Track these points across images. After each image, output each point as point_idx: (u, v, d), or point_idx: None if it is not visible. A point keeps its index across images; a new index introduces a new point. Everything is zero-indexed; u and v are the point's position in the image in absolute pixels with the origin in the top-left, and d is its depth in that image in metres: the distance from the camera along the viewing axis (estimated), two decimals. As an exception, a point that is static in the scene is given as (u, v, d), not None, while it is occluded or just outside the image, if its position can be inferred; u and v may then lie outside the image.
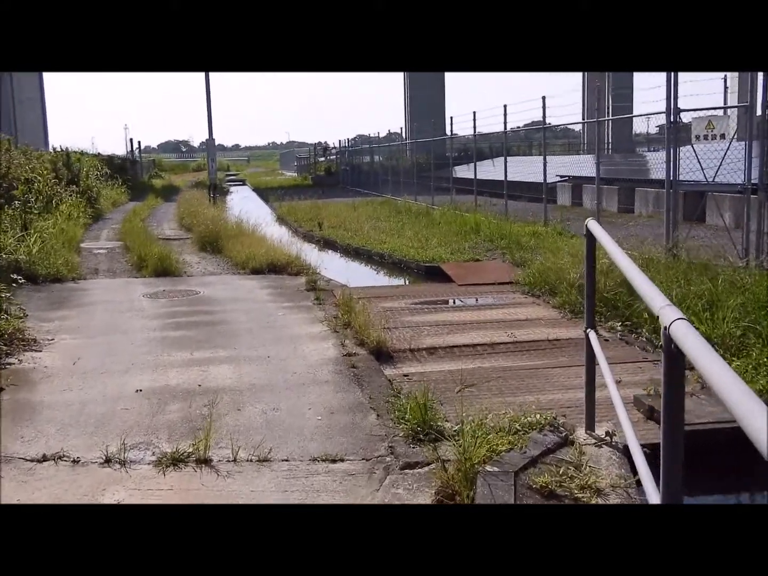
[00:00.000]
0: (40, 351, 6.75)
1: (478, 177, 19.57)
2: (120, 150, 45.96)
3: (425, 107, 40.29)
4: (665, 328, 1.74)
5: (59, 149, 23.01)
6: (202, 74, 23.08)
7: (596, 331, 4.03)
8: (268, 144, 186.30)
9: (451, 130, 23.22)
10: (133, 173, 39.83)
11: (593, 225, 3.72)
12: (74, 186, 19.37)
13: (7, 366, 6.26)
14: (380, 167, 30.84)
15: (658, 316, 1.80)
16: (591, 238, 3.82)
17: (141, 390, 5.60)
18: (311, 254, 12.43)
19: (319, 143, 49.98)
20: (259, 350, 6.69)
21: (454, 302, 9.13)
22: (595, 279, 4.16)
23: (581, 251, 9.54)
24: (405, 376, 5.96)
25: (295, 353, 6.58)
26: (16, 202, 12.19)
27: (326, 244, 15.49)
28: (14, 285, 9.41)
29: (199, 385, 5.72)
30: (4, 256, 9.81)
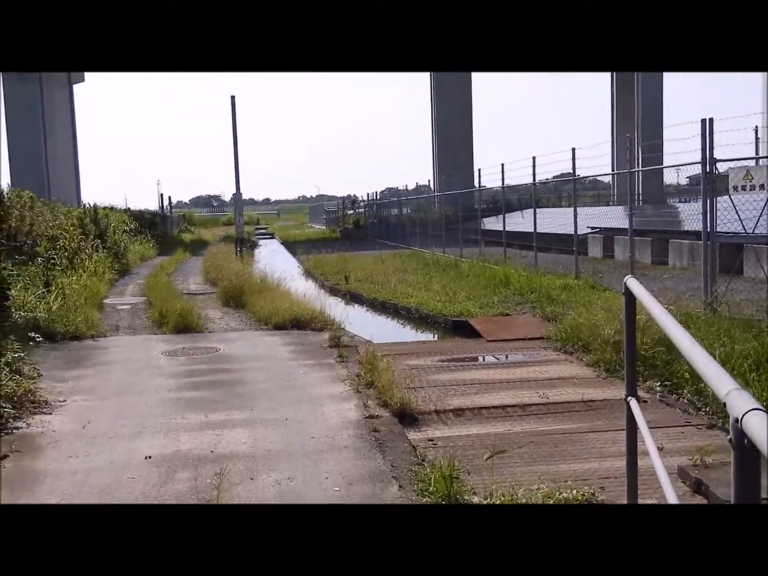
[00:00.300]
0: (51, 414, 6.50)
1: (507, 229, 19.30)
2: (153, 205, 46.56)
3: (454, 160, 40.31)
4: (736, 419, 1.42)
5: (88, 205, 23.20)
6: (230, 130, 23.18)
7: (638, 399, 3.65)
8: (298, 198, 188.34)
9: (479, 182, 23.09)
10: (162, 228, 40.22)
11: (633, 283, 3.37)
12: (101, 241, 19.42)
13: (14, 430, 6.00)
14: (408, 220, 30.72)
15: (724, 403, 1.48)
16: (630, 298, 3.47)
17: (150, 456, 5.29)
18: (336, 308, 12.16)
19: (348, 196, 50.16)
20: (277, 412, 6.37)
21: (482, 359, 8.75)
22: (636, 342, 3.80)
23: (615, 305, 9.19)
24: (430, 440, 5.59)
25: (315, 415, 6.25)
26: (39, 258, 12.12)
27: (352, 297, 15.25)
28: (31, 343, 9.23)
29: (212, 451, 5.40)
30: (22, 314, 9.66)
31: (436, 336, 11.12)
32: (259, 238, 46.80)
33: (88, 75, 49.38)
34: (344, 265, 19.87)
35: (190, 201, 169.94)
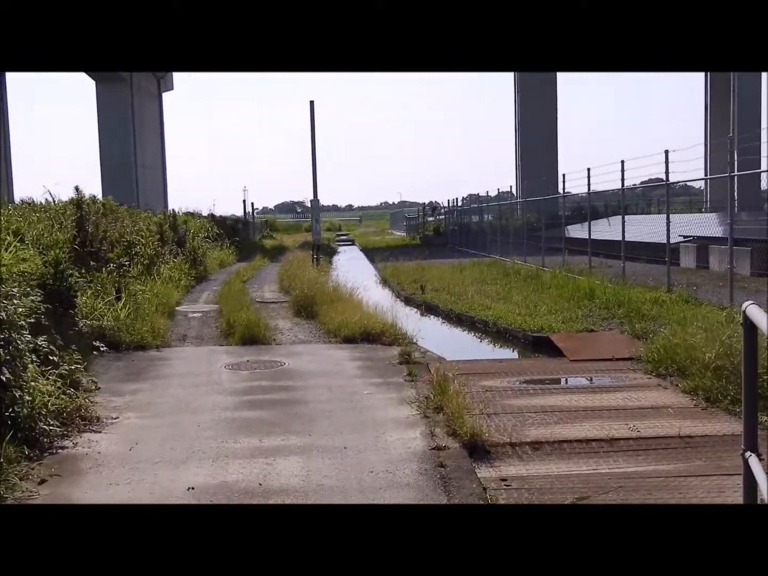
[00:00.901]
0: (100, 432, 6.16)
1: (592, 237, 18.36)
2: (240, 212, 47.11)
3: (537, 165, 39.20)
4: None
5: (170, 211, 23.36)
6: (313, 136, 22.89)
7: (759, 455, 2.95)
8: (381, 204, 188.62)
9: (564, 188, 22.15)
10: (245, 234, 40.58)
11: (755, 312, 2.70)
12: (179, 247, 19.43)
13: (59, 451, 5.66)
14: (489, 227, 29.91)
15: None
16: (751, 329, 2.79)
17: (193, 488, 4.84)
18: (410, 320, 11.59)
19: (430, 203, 49.41)
20: (336, 439, 5.84)
21: (564, 382, 8.02)
22: (757, 380, 3.08)
23: (715, 324, 8.31)
24: (503, 480, 4.94)
25: (376, 444, 5.69)
26: (111, 264, 11.99)
27: (427, 308, 14.68)
28: (95, 353, 9.02)
29: (260, 484, 4.91)
30: (88, 322, 9.46)
31: (514, 353, 10.42)
32: (340, 245, 46.84)
33: (176, 83, 50.46)
34: (421, 274, 19.32)
35: (275, 207, 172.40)
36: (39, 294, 8.56)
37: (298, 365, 8.72)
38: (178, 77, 50.42)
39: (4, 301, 6.26)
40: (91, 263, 12.38)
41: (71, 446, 5.78)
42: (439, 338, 11.22)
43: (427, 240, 39.78)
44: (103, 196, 23.16)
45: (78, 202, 13.20)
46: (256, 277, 21.54)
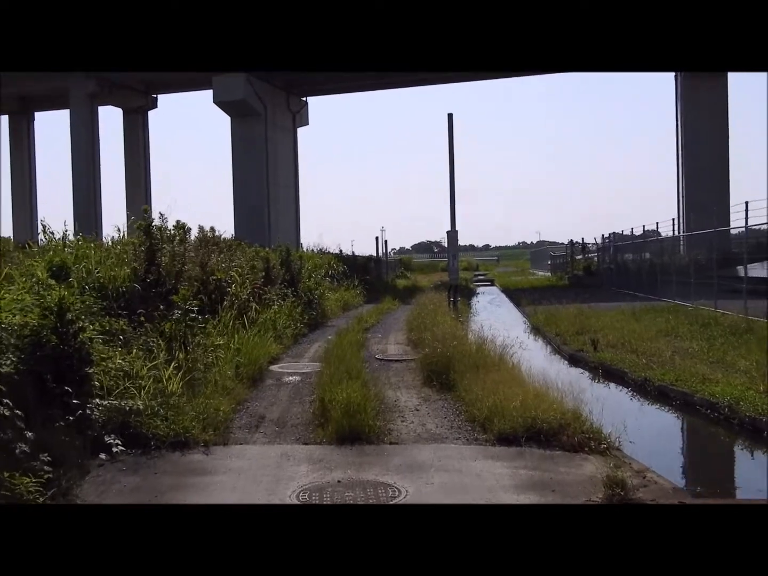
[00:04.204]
0: None
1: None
2: (375, 251, 44.36)
3: (706, 194, 33.83)
4: None
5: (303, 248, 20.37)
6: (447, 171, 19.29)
7: None
8: (519, 244, 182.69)
9: (747, 219, 17.49)
10: (376, 273, 37.65)
11: None
12: (291, 288, 16.30)
13: None
14: (659, 266, 25.10)
15: None
16: None
17: None
18: (591, 398, 7.64)
19: (581, 241, 44.84)
20: None
21: None
22: None
23: None
24: None
25: None
26: (177, 311, 8.77)
27: (607, 375, 10.62)
28: (103, 456, 5.68)
29: None
30: (104, 402, 6.15)
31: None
32: (478, 285, 43.15)
33: (311, 119, 48.57)
34: (585, 323, 15.25)
35: (411, 247, 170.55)
36: (10, 360, 5.37)
37: (420, 496, 4.97)
38: (313, 111, 48.57)
39: None
40: (160, 308, 9.28)
41: None
42: (650, 436, 7.18)
43: (578, 280, 35.35)
44: (235, 236, 20.69)
45: (147, 229, 10.17)
46: (382, 323, 18.03)
